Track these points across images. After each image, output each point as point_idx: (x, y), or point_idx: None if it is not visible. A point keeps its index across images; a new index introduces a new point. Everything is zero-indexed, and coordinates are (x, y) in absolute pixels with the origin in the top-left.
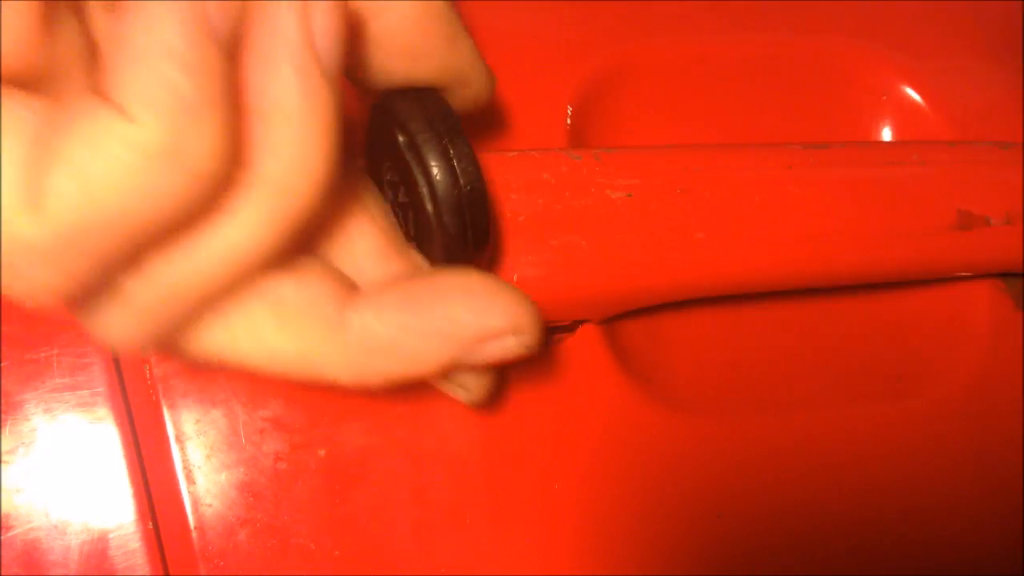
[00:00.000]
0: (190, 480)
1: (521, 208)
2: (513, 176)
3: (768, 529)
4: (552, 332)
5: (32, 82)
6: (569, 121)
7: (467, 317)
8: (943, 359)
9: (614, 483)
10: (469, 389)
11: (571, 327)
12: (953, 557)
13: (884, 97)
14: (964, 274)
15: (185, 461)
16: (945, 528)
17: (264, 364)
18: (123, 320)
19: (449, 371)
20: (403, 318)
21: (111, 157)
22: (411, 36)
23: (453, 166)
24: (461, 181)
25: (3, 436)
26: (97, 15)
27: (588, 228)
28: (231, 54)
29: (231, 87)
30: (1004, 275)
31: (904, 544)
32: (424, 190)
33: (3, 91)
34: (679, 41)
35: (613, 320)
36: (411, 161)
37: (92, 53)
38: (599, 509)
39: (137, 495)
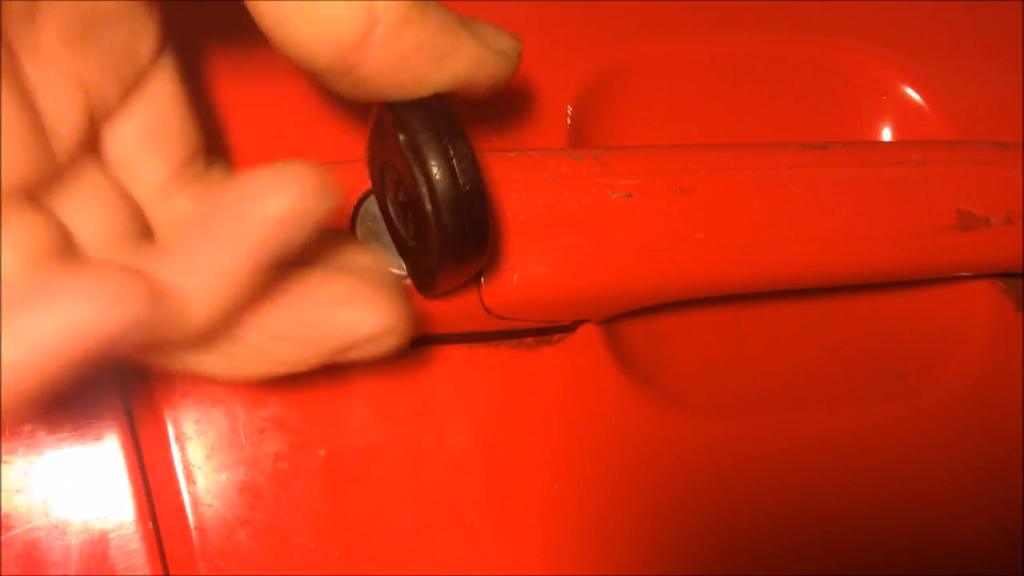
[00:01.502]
0: (190, 480)
1: (521, 208)
2: (513, 176)
3: (767, 529)
4: (552, 332)
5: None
6: (569, 121)
7: (336, 326)
8: (943, 359)
9: (614, 483)
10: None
11: (571, 327)
12: (953, 557)
13: (884, 97)
14: (964, 274)
15: (185, 461)
16: (945, 528)
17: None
18: None
19: (312, 368)
20: (274, 328)
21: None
22: (397, 75)
23: (452, 166)
24: (460, 181)
25: (3, 436)
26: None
27: (588, 228)
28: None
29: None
30: (1004, 275)
31: (904, 544)
32: (423, 190)
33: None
34: (679, 41)
35: (613, 320)
36: (411, 160)
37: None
38: (599, 509)
39: (137, 495)
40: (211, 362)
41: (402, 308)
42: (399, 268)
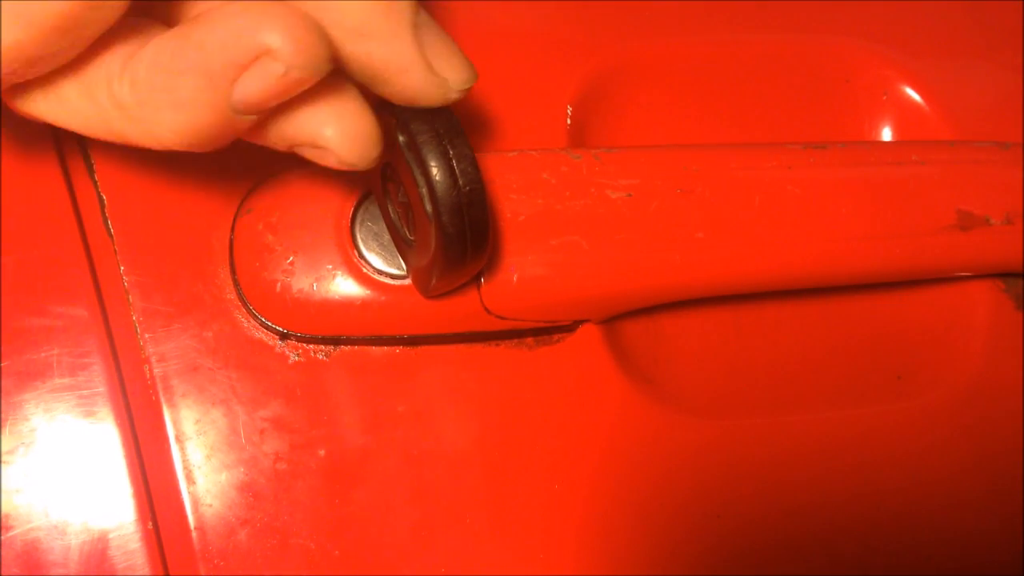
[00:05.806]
0: (190, 480)
1: (521, 208)
2: (513, 176)
3: (768, 530)
4: (552, 332)
5: None
6: (569, 121)
7: (212, 40)
8: (943, 359)
9: (614, 483)
10: (326, 145)
11: (571, 327)
12: (953, 557)
13: (884, 97)
14: (964, 274)
15: (185, 461)
16: (945, 528)
17: (73, 124)
18: None
19: (225, 118)
20: (158, 56)
21: None
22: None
23: (452, 167)
24: (460, 182)
25: (3, 436)
26: None
27: (588, 228)
28: None
29: None
30: (1004, 275)
31: (904, 544)
32: (423, 190)
33: None
34: (679, 41)
35: (613, 320)
36: (411, 161)
37: None
38: (599, 509)
39: (137, 495)
40: (123, 119)
41: (296, 23)
42: (399, 268)
